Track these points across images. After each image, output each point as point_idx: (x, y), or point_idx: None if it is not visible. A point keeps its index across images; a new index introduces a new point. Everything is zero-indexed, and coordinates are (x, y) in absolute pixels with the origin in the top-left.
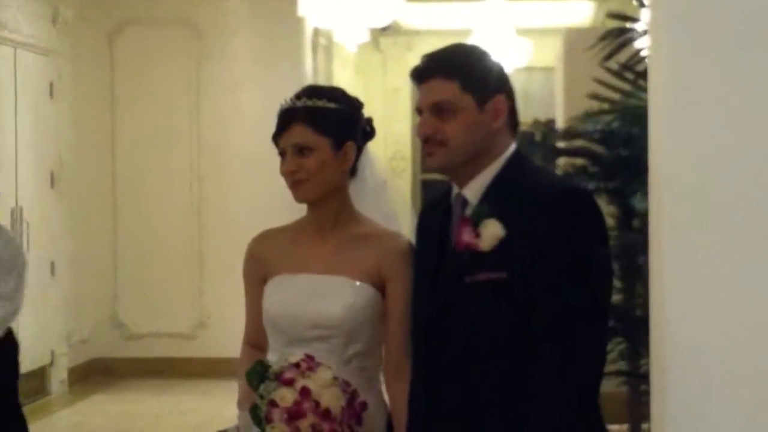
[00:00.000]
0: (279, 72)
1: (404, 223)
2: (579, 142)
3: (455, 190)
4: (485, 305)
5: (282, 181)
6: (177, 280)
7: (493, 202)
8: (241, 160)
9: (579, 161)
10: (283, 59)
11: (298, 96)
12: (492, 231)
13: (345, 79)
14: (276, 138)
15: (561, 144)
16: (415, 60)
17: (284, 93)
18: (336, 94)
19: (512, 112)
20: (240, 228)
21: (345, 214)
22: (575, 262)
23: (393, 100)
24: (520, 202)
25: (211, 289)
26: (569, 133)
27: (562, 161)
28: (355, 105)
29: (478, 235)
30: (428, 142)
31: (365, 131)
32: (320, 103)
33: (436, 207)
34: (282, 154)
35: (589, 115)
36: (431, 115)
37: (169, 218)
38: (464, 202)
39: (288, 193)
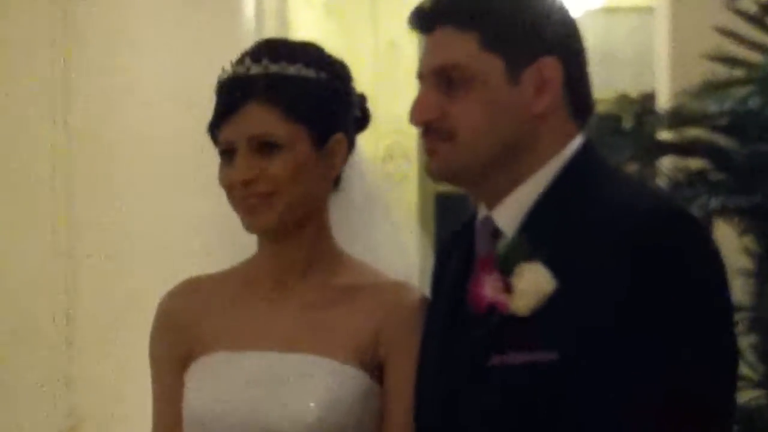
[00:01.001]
0: (199, 15)
1: (412, 264)
2: (695, 132)
3: (481, 211)
4: (521, 404)
5: (218, 199)
6: (32, 360)
7: (539, 234)
8: (140, 162)
9: (695, 163)
10: None
11: (253, 57)
12: (533, 283)
13: (310, 28)
14: (215, 127)
15: (665, 134)
16: None
17: (210, 50)
18: (313, 54)
19: (575, 86)
20: (138, 275)
21: (323, 254)
22: (671, 341)
23: (388, 61)
24: (580, 235)
25: (86, 377)
26: (679, 117)
27: (667, 163)
28: (342, 73)
29: (509, 289)
30: (428, 132)
31: (357, 116)
32: (292, 69)
33: (456, 240)
34: (226, 152)
35: (711, 88)
36: (435, 88)
37: (21, 263)
38: (494, 233)
39: (227, 218)
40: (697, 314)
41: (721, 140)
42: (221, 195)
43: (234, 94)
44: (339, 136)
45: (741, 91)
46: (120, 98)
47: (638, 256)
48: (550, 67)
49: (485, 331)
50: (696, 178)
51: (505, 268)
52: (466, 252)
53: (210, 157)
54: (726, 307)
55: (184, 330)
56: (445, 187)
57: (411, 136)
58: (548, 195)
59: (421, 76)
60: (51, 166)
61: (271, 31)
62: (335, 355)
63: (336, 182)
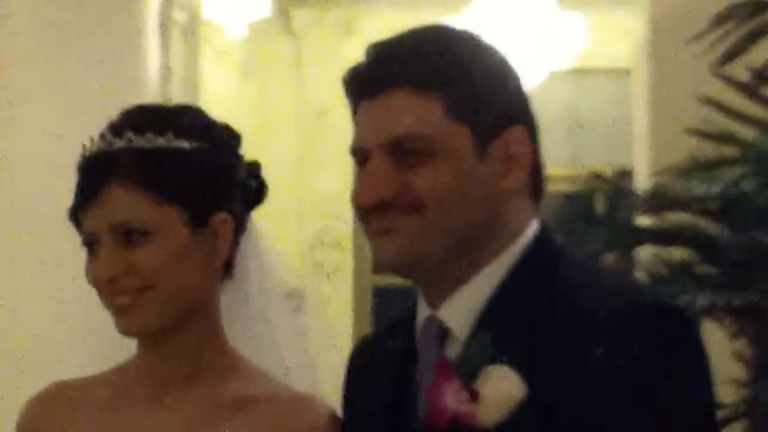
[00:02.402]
0: (94, 74)
1: (338, 376)
2: (679, 217)
3: (422, 310)
4: None
5: (88, 293)
6: None
7: (499, 334)
8: (13, 243)
9: (679, 253)
10: (102, 47)
11: (115, 130)
12: (502, 389)
13: (224, 90)
14: (76, 212)
15: (644, 220)
16: (358, 50)
17: (106, 117)
18: (188, 121)
19: (536, 161)
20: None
21: (211, 357)
22: None
23: (317, 128)
24: (548, 334)
25: None
26: (660, 200)
27: (646, 253)
28: (224, 140)
29: (475, 398)
30: (382, 210)
31: (248, 188)
32: (161, 140)
33: (382, 344)
34: (90, 243)
35: (697, 166)
36: (388, 161)
37: None
38: (440, 334)
39: (98, 312)
40: (694, 415)
41: (710, 227)
42: None
43: (94, 175)
44: (222, 215)
45: (732, 172)
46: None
47: (626, 358)
48: (519, 138)
49: None
50: (680, 271)
51: (467, 373)
52: (400, 360)
53: None
54: (713, 410)
55: None
56: (383, 279)
57: (344, 218)
58: (505, 289)
59: (364, 150)
60: None
61: (178, 92)
62: None
63: (227, 270)
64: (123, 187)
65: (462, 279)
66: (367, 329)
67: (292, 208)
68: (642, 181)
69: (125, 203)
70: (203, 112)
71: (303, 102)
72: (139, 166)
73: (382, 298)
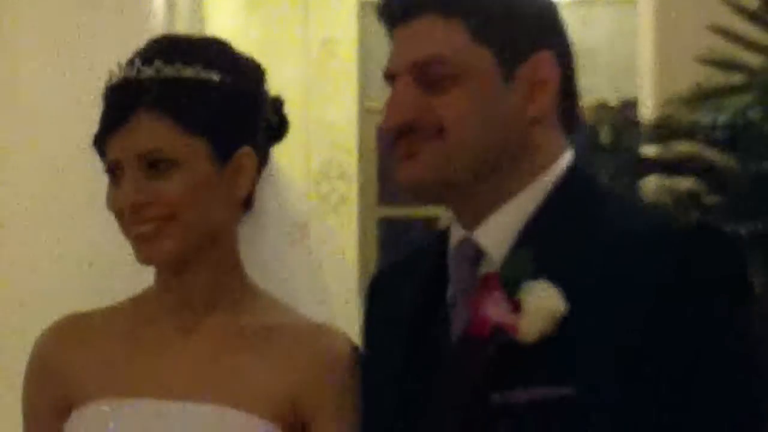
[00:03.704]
0: (99, 9)
1: (345, 308)
2: (685, 147)
3: (456, 233)
4: None
5: (107, 224)
6: None
7: (538, 254)
8: (26, 178)
9: (685, 183)
10: None
11: (144, 57)
12: (542, 302)
13: (229, 23)
14: (101, 140)
15: (650, 150)
16: None
17: (113, 51)
18: (216, 53)
19: (567, 90)
20: (15, 307)
21: (230, 288)
22: (714, 362)
23: (322, 63)
24: (588, 256)
25: None
26: (666, 130)
27: (652, 182)
28: (251, 74)
29: (517, 309)
30: (408, 134)
31: (271, 124)
32: (189, 71)
33: (406, 270)
34: (113, 171)
35: (703, 95)
36: (414, 85)
37: None
38: (475, 256)
39: (118, 245)
40: (737, 346)
41: (716, 157)
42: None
43: (121, 102)
44: (246, 150)
45: (739, 100)
46: (2, 110)
47: (676, 275)
48: (547, 63)
49: (486, 362)
50: (686, 201)
51: (510, 287)
52: (427, 283)
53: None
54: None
55: (63, 375)
56: (388, 211)
57: (349, 150)
58: (542, 214)
59: (393, 74)
60: None
61: (183, 27)
62: (247, 407)
63: (247, 204)
64: (151, 115)
65: (495, 203)
66: (373, 261)
67: (298, 141)
68: (647, 111)
69: (153, 132)
70: (230, 45)
71: (308, 34)
72: (167, 96)
73: (387, 230)
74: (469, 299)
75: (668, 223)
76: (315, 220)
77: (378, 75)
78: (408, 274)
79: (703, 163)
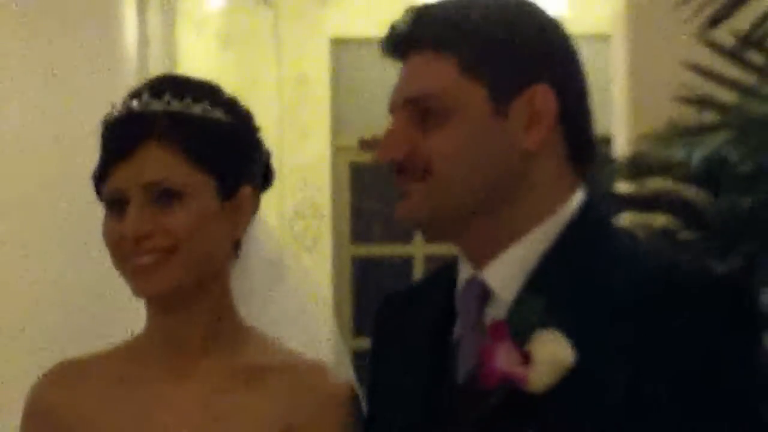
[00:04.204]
0: (70, 42)
1: (326, 346)
2: (659, 183)
3: (464, 270)
4: None
5: (87, 262)
6: None
7: (548, 299)
8: None
9: (660, 219)
10: (79, 17)
11: (152, 91)
12: (553, 354)
13: (202, 61)
14: (104, 170)
15: (624, 186)
16: (343, 19)
17: (84, 85)
18: (218, 93)
19: (573, 122)
20: None
21: (225, 328)
22: (724, 422)
23: (295, 101)
24: (599, 303)
25: None
26: (640, 166)
27: (626, 219)
28: (248, 117)
29: (526, 359)
30: (400, 172)
31: (266, 169)
32: (197, 108)
33: (413, 302)
34: (114, 202)
35: (678, 133)
36: (407, 122)
37: None
38: (483, 296)
39: (100, 282)
40: (753, 397)
41: (691, 193)
42: (89, 257)
43: (128, 133)
44: (248, 189)
45: (713, 137)
46: None
47: (680, 330)
48: (542, 96)
49: (491, 410)
50: (661, 238)
51: (519, 336)
52: (437, 318)
53: (81, 210)
54: None
55: (57, 420)
56: (362, 249)
57: (322, 189)
58: (553, 255)
59: (393, 109)
60: None
61: (156, 65)
62: None
63: (236, 246)
64: (161, 147)
65: (503, 242)
66: (347, 300)
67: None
68: (621, 148)
69: (163, 163)
70: (222, 89)
71: (282, 72)
72: (177, 129)
73: (362, 269)
74: (477, 342)
75: (685, 272)
76: (291, 260)
77: (350, 112)
78: (417, 305)
79: (678, 199)
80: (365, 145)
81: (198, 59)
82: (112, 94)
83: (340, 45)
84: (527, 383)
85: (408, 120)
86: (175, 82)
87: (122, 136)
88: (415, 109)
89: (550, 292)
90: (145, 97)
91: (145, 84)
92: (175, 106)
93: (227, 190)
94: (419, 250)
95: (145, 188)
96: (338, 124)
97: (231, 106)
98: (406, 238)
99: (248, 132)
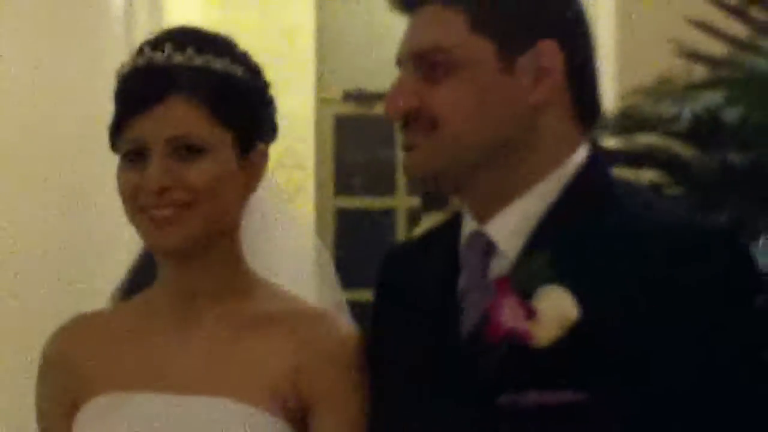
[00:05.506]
0: None
1: (307, 291)
2: (647, 139)
3: (468, 224)
4: None
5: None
6: None
7: (551, 254)
8: None
9: (648, 175)
10: None
11: (176, 43)
12: (558, 309)
13: (188, 12)
14: (124, 120)
15: (612, 142)
16: None
17: (69, 40)
18: (236, 49)
19: (579, 79)
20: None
21: (235, 277)
22: (733, 367)
23: (280, 53)
24: (605, 255)
25: None
26: (629, 121)
27: (615, 175)
28: (262, 74)
29: (531, 314)
30: (407, 125)
31: (274, 124)
32: (218, 63)
33: (419, 253)
34: (132, 153)
35: (668, 89)
36: (415, 75)
37: None
38: (487, 249)
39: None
40: (756, 341)
41: (680, 148)
42: (71, 210)
43: (152, 85)
44: (263, 146)
45: (709, 95)
46: None
47: (682, 283)
48: (549, 53)
49: (495, 365)
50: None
51: (525, 291)
52: (441, 270)
53: (65, 163)
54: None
55: (71, 373)
56: (345, 201)
57: (305, 140)
58: (557, 210)
59: (400, 61)
60: None
61: (143, 16)
62: (247, 399)
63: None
64: (185, 101)
65: (506, 196)
66: (330, 252)
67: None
68: (609, 103)
69: (186, 117)
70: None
71: (267, 25)
72: (201, 84)
73: (344, 220)
74: (481, 296)
75: (687, 225)
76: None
77: (336, 64)
78: (421, 258)
79: (667, 154)
80: (350, 97)
81: (184, 13)
82: (99, 48)
83: None
84: (532, 338)
85: (415, 73)
86: (196, 35)
87: (145, 87)
88: (423, 62)
89: (555, 247)
90: (167, 48)
91: (164, 34)
92: (199, 60)
93: (245, 147)
94: (402, 203)
95: (167, 141)
96: (323, 76)
97: (247, 61)
98: (388, 190)
99: (264, 88)
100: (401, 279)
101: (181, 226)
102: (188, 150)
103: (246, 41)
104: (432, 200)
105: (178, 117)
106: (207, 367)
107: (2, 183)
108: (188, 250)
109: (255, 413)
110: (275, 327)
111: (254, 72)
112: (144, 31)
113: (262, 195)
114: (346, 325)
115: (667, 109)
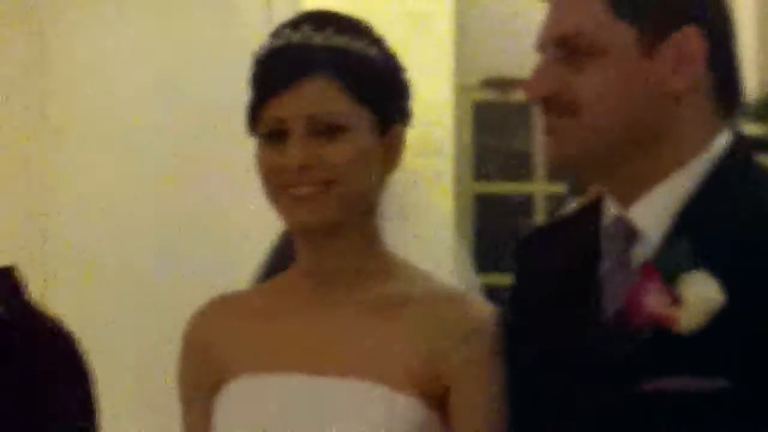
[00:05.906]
0: None
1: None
2: None
3: (609, 209)
4: None
5: (198, 196)
6: None
7: (696, 240)
8: (121, 155)
9: None
10: None
11: (313, 24)
12: (702, 295)
13: None
14: (264, 99)
15: (753, 128)
16: None
17: (210, 26)
18: (373, 33)
19: (719, 67)
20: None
21: (373, 259)
22: None
23: (414, 36)
24: (749, 242)
25: None
26: None
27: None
28: (396, 57)
29: (675, 300)
30: (547, 108)
31: (410, 108)
32: (357, 45)
33: (555, 238)
34: (273, 133)
35: None
36: (555, 59)
37: None
38: (629, 235)
39: (219, 215)
40: None
41: None
42: (202, 191)
43: (292, 64)
44: (400, 127)
45: None
46: (100, 82)
47: None
48: (692, 39)
49: (635, 350)
50: None
51: (667, 277)
52: (580, 255)
53: (197, 148)
54: None
55: (212, 355)
56: (483, 187)
57: (445, 126)
58: (701, 196)
59: (541, 46)
60: (25, 159)
61: (282, 7)
62: (385, 381)
63: None
64: (325, 80)
65: (648, 182)
66: (469, 238)
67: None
68: (751, 90)
69: (327, 96)
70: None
71: (403, 11)
72: (340, 64)
73: (482, 205)
74: (623, 281)
75: None
76: (409, 196)
77: (474, 51)
78: (559, 242)
79: None
80: (488, 84)
81: None
82: (237, 30)
83: None
84: (677, 324)
85: (556, 57)
86: (334, 17)
87: (285, 66)
88: (564, 47)
89: (698, 233)
90: (306, 29)
91: (301, 16)
92: (338, 41)
93: (383, 127)
94: (540, 189)
95: (307, 120)
96: (461, 62)
97: (383, 44)
98: (526, 176)
99: (400, 70)
100: (539, 263)
101: (321, 203)
102: (328, 128)
103: (382, 27)
104: (578, 185)
105: (318, 95)
106: (345, 348)
107: (146, 169)
108: (327, 228)
109: (393, 395)
110: (412, 309)
111: (390, 55)
112: (283, 18)
113: (400, 179)
114: (484, 307)
115: None
